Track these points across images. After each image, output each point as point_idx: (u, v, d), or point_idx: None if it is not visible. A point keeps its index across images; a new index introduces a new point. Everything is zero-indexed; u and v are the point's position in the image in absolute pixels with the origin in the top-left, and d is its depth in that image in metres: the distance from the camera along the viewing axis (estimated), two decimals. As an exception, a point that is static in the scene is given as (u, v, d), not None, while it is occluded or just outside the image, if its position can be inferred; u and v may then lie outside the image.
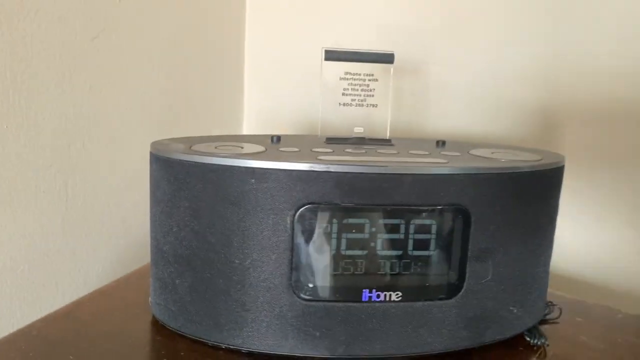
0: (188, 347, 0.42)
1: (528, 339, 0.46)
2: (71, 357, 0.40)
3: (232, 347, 0.42)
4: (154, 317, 0.46)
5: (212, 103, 0.78)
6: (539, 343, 0.46)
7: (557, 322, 0.51)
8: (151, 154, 0.43)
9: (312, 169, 0.38)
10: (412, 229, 0.41)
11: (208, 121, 0.77)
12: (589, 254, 0.63)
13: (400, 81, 0.69)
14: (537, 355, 0.45)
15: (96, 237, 0.61)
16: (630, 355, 0.46)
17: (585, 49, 0.60)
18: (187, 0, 0.70)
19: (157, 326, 0.45)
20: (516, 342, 0.46)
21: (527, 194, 0.42)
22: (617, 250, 0.62)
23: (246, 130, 0.83)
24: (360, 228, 0.40)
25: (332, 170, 0.38)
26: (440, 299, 0.42)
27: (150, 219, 0.44)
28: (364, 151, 0.45)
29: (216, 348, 0.42)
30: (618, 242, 0.62)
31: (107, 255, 0.63)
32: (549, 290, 0.56)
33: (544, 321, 0.50)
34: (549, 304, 0.52)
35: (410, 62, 0.68)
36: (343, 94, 0.50)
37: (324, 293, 0.40)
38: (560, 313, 0.52)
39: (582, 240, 0.63)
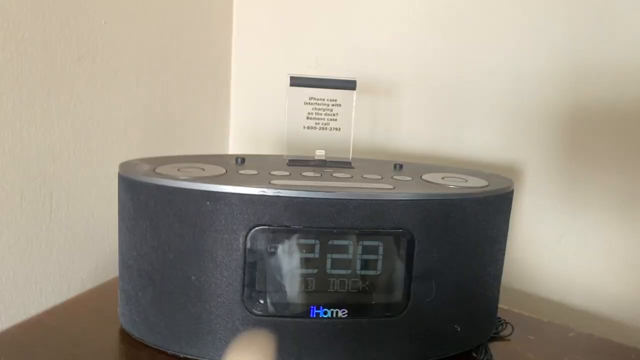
0: (150, 356, 0.45)
1: (474, 355, 0.49)
2: (38, 363, 0.43)
3: (189, 357, 0.44)
4: (121, 326, 0.49)
5: (198, 120, 0.81)
6: (484, 360, 0.48)
7: (508, 340, 0.53)
8: (118, 174, 0.46)
9: (263, 193, 0.41)
10: (360, 249, 0.43)
11: (193, 138, 0.80)
12: (554, 271, 0.65)
13: (375, 101, 0.72)
14: (481, 371, 0.48)
15: (78, 247, 0.64)
16: (573, 374, 0.48)
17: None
18: (173, 19, 0.73)
19: (123, 335, 0.48)
20: (464, 359, 0.48)
21: (471, 220, 0.45)
22: (582, 266, 0.63)
23: (232, 146, 0.86)
24: (310, 248, 0.43)
25: (282, 194, 0.41)
26: (386, 317, 0.44)
27: (118, 234, 0.47)
28: (319, 175, 0.47)
29: (175, 357, 0.45)
30: (584, 258, 0.63)
31: (89, 264, 0.66)
32: (506, 307, 0.58)
33: (495, 338, 0.53)
34: (502, 321, 0.54)
35: (384, 82, 0.71)
36: (307, 118, 0.53)
37: (274, 309, 0.43)
38: (513, 330, 0.54)
39: (547, 258, 0.65)
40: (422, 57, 0.68)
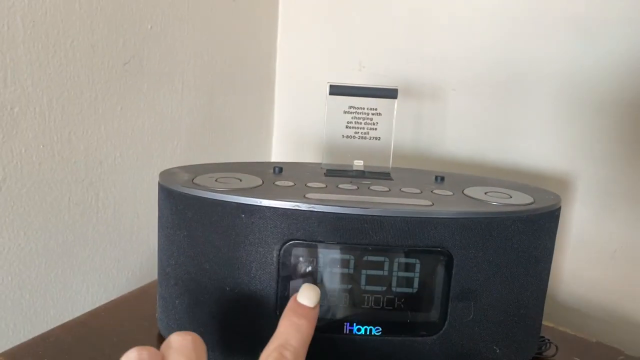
0: (184, 363, 0.46)
1: (515, 377, 0.47)
2: (78, 365, 0.44)
3: (223, 367, 0.45)
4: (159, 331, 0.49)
5: (242, 125, 0.81)
6: (525, 382, 0.47)
7: (552, 360, 0.51)
8: (158, 183, 0.46)
9: (297, 207, 0.41)
10: (395, 266, 0.42)
11: (237, 143, 0.81)
12: (605, 287, 0.62)
13: (419, 106, 0.70)
14: (521, 394, 0.46)
15: (123, 247, 0.66)
16: (620, 402, 0.46)
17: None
18: (218, 24, 0.74)
19: (161, 339, 0.49)
20: (503, 380, 0.47)
21: (514, 239, 0.43)
22: (637, 283, 0.60)
23: (275, 151, 0.86)
24: (344, 264, 0.42)
25: (316, 209, 0.41)
26: (422, 336, 0.43)
27: (158, 241, 0.48)
28: (356, 187, 0.47)
29: (209, 366, 0.45)
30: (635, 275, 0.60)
31: (133, 264, 0.68)
32: (550, 325, 0.56)
33: (538, 359, 0.51)
34: (545, 340, 0.52)
35: (429, 87, 0.69)
36: (347, 127, 0.52)
37: (307, 323, 0.43)
38: (557, 351, 0.52)
39: (598, 273, 0.62)
40: (469, 60, 0.66)
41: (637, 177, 0.58)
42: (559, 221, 0.62)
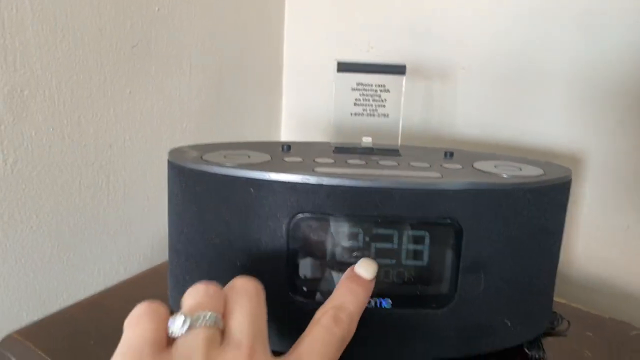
0: (196, 339, 0.46)
1: (527, 350, 0.47)
2: (92, 342, 0.45)
3: (234, 341, 0.45)
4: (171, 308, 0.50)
5: (251, 106, 0.81)
6: (537, 356, 0.46)
7: (564, 336, 0.51)
8: (168, 161, 0.47)
9: (306, 181, 0.41)
10: (405, 239, 0.42)
11: (246, 124, 0.81)
12: (618, 263, 0.62)
13: (429, 86, 0.70)
14: (533, 368, 0.46)
15: (134, 229, 0.67)
16: (633, 375, 0.45)
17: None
18: (225, 4, 0.74)
19: (173, 317, 0.49)
20: (514, 354, 0.47)
21: (524, 211, 0.43)
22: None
23: (284, 132, 0.86)
24: (353, 237, 0.42)
25: (325, 182, 0.40)
26: (432, 309, 0.43)
27: (168, 219, 0.48)
28: (364, 163, 0.46)
29: (221, 341, 0.45)
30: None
31: (144, 246, 0.68)
32: (563, 301, 0.56)
33: (550, 334, 0.51)
34: (558, 316, 0.52)
35: (439, 66, 0.69)
36: (355, 104, 0.52)
37: (318, 296, 0.43)
38: (569, 326, 0.52)
39: (611, 249, 0.62)
40: (480, 38, 0.66)
41: (649, 153, 0.58)
42: (572, 197, 0.62)
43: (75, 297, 0.61)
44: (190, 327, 0.28)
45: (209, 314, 0.29)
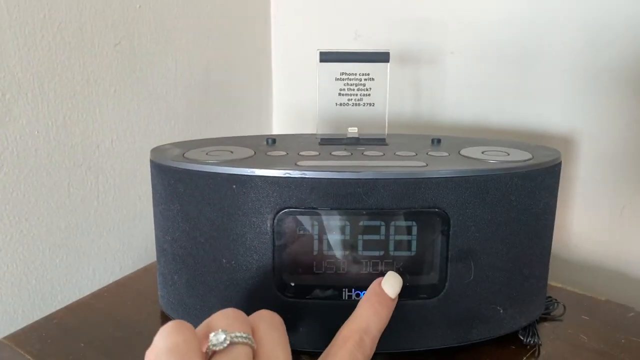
0: (187, 338, 0.46)
1: (521, 337, 0.46)
2: (82, 344, 0.45)
3: (225, 339, 0.45)
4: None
5: (240, 100, 0.80)
6: (531, 342, 0.46)
7: (560, 320, 0.50)
8: (150, 160, 0.46)
9: (288, 175, 0.40)
10: (392, 230, 0.42)
11: (236, 119, 0.80)
12: (614, 245, 0.61)
13: (418, 73, 0.69)
14: (528, 354, 0.45)
15: (127, 229, 0.66)
16: (629, 357, 0.45)
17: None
18: (208, 0, 0.73)
19: (164, 317, 0.49)
20: (510, 341, 0.46)
21: (512, 196, 0.42)
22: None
23: (275, 125, 0.85)
24: (340, 229, 0.42)
25: (307, 176, 0.40)
26: (423, 299, 0.43)
27: (153, 218, 0.47)
28: (350, 154, 0.46)
29: (211, 339, 0.45)
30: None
31: (138, 246, 0.68)
32: (559, 285, 0.55)
33: (545, 319, 0.50)
34: (552, 300, 0.51)
35: (427, 51, 0.68)
36: (340, 94, 0.51)
37: (306, 291, 0.42)
38: (565, 310, 0.51)
39: (607, 231, 0.61)
40: (468, 22, 0.64)
41: (643, 131, 0.57)
42: (567, 180, 0.61)
43: (70, 299, 0.61)
44: (230, 343, 0.30)
45: (246, 334, 0.31)
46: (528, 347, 0.46)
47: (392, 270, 0.42)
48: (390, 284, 0.37)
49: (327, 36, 0.75)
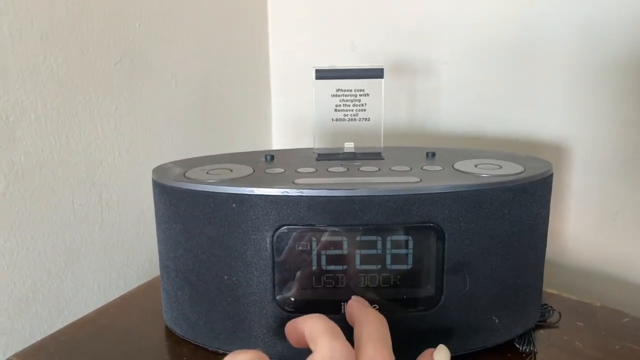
0: (191, 352, 0.47)
1: (517, 345, 0.47)
2: (89, 361, 0.46)
3: (228, 352, 0.46)
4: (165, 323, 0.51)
5: (239, 114, 0.82)
6: (527, 350, 0.47)
7: (556, 327, 0.51)
8: (152, 179, 0.47)
9: (286, 193, 0.41)
10: (388, 244, 0.43)
11: (235, 133, 0.81)
12: (608, 251, 0.62)
13: (413, 83, 0.70)
14: (524, 362, 0.46)
15: (131, 244, 0.68)
16: (623, 363, 0.46)
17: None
18: (206, 15, 0.74)
19: (168, 332, 0.50)
20: (506, 349, 0.47)
21: (504, 210, 0.43)
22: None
23: (275, 138, 0.87)
24: (338, 245, 0.43)
25: (305, 194, 0.41)
26: (419, 311, 0.44)
27: (157, 236, 0.49)
28: (346, 170, 0.47)
29: (215, 353, 0.46)
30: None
31: (142, 260, 0.69)
32: (554, 292, 0.56)
33: (541, 326, 0.51)
34: (548, 308, 0.52)
35: (422, 62, 0.69)
36: (336, 110, 0.52)
37: (306, 306, 0.43)
38: (560, 317, 0.52)
39: (601, 236, 0.62)
40: (460, 33, 0.66)
41: (635, 139, 0.58)
42: (561, 186, 0.62)
43: (76, 314, 0.62)
44: None
45: None
46: (524, 354, 0.47)
47: (390, 283, 0.43)
48: (442, 357, 0.38)
49: (324, 48, 0.76)
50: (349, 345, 0.33)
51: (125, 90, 0.64)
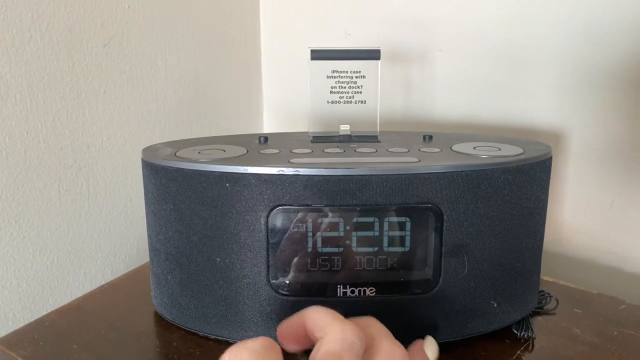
0: (181, 338, 0.46)
1: (515, 331, 0.47)
2: (75, 346, 0.44)
3: (219, 338, 0.44)
4: (154, 308, 0.49)
5: (230, 99, 0.80)
6: (525, 336, 0.46)
7: (553, 314, 0.51)
8: (141, 159, 0.46)
9: (282, 172, 0.40)
10: (386, 226, 0.42)
11: (226, 118, 0.80)
12: (604, 238, 0.62)
13: (409, 70, 0.69)
14: (522, 348, 0.45)
15: (118, 230, 0.66)
16: (621, 349, 0.45)
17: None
18: (197, 0, 0.72)
19: (157, 317, 0.48)
20: (504, 335, 0.46)
21: (504, 191, 0.42)
22: (635, 233, 0.59)
23: (266, 124, 0.85)
24: (334, 226, 0.42)
25: (301, 173, 0.40)
26: (417, 294, 0.43)
27: (146, 218, 0.47)
28: (342, 151, 0.46)
29: (206, 338, 0.45)
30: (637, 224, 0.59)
31: (130, 247, 0.68)
32: (551, 279, 0.56)
33: (539, 312, 0.50)
34: (546, 295, 0.52)
35: (417, 49, 0.68)
36: (331, 92, 0.51)
37: (300, 289, 0.42)
38: (557, 304, 0.51)
39: (597, 224, 0.62)
40: (456, 19, 0.65)
41: (631, 128, 0.57)
42: (556, 175, 0.61)
43: (61, 301, 0.60)
44: None
45: None
46: (522, 340, 0.46)
47: (387, 266, 0.42)
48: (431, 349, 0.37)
49: (317, 35, 0.75)
50: (359, 329, 0.31)
51: (114, 73, 0.62)
